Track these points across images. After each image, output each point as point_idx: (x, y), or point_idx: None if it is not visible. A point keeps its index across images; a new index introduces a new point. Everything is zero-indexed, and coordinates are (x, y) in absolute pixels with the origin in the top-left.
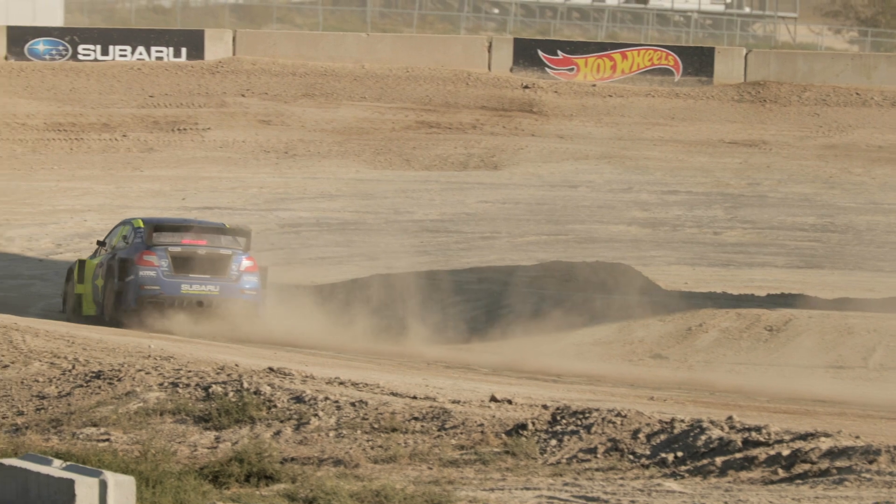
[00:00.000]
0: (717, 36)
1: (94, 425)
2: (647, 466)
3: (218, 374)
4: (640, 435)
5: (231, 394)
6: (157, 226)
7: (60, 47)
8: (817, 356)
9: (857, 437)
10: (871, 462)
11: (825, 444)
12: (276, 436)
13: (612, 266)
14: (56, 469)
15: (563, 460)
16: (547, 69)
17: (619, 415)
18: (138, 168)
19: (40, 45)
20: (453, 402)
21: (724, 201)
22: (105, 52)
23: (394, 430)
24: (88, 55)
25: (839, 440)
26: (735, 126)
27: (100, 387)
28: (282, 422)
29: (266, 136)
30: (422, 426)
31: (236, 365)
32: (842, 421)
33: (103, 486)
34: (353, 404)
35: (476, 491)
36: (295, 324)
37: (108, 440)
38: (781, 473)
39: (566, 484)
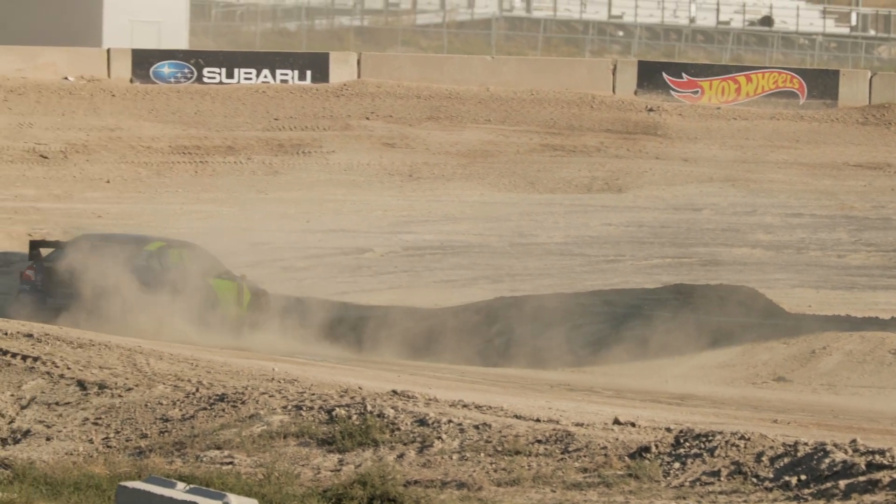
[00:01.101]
0: (842, 59)
1: (218, 448)
2: (770, 489)
3: (341, 396)
4: (764, 458)
5: (354, 417)
6: None
7: (185, 70)
8: None
9: None
10: None
11: None
12: (400, 459)
13: (736, 289)
14: (180, 492)
15: (687, 483)
16: (671, 92)
17: (742, 438)
18: (263, 191)
19: (165, 67)
20: (576, 424)
21: (848, 224)
22: (230, 75)
23: (517, 452)
24: (213, 78)
25: None
26: (859, 149)
27: (223, 410)
28: (405, 444)
29: (390, 159)
30: (545, 449)
31: (360, 388)
32: None
33: None
34: (476, 427)
35: None
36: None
37: (231, 463)
38: None
39: None
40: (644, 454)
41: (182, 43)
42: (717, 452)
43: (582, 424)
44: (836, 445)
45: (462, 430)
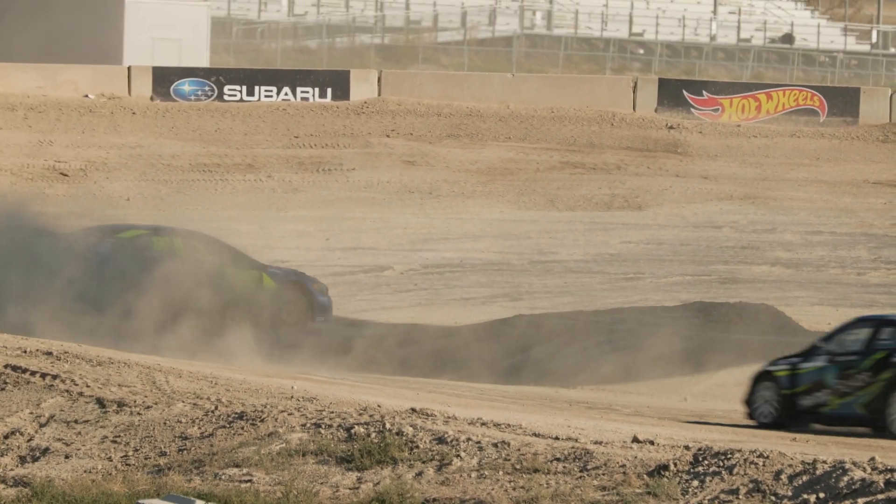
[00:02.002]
0: (863, 76)
1: (237, 466)
2: None
3: (360, 414)
4: (783, 476)
5: (373, 434)
6: None
7: (206, 88)
8: None
9: None
10: None
11: None
12: (418, 476)
13: (756, 307)
14: None
15: (705, 501)
16: (692, 109)
17: (761, 455)
18: (283, 209)
19: (186, 85)
20: (595, 442)
21: (868, 242)
22: (250, 93)
23: (536, 470)
24: (234, 96)
25: None
26: (880, 166)
27: (242, 427)
28: (424, 462)
29: (410, 177)
30: (564, 467)
31: (378, 406)
32: None
33: None
34: (495, 445)
35: None
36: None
37: (250, 481)
38: None
39: None
40: (663, 472)
41: (203, 61)
42: (735, 470)
43: (601, 442)
44: (854, 463)
45: (481, 448)
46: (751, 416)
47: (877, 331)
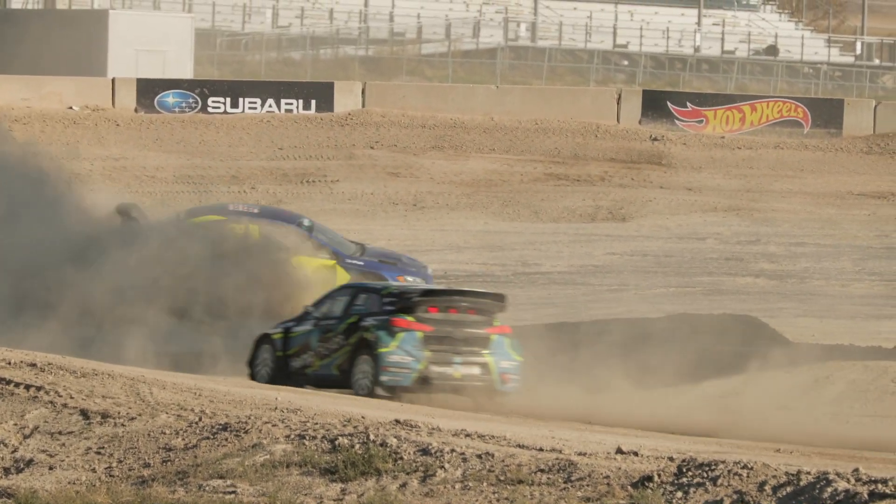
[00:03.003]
0: (847, 88)
1: (221, 477)
2: None
3: (344, 426)
4: (766, 487)
5: (357, 446)
6: None
7: (190, 100)
8: None
9: None
10: None
11: None
12: (402, 488)
13: (740, 318)
14: None
15: None
16: (676, 121)
17: (745, 467)
18: None
19: (170, 97)
20: (579, 454)
21: (852, 253)
22: (234, 105)
23: (520, 482)
24: (218, 108)
25: None
26: (864, 178)
27: (226, 439)
28: (408, 474)
29: (395, 188)
30: (548, 478)
31: (363, 417)
32: None
33: None
34: (479, 456)
35: None
36: None
37: (234, 492)
38: None
39: None
40: (647, 483)
41: (187, 72)
42: (719, 482)
43: (585, 454)
44: (838, 474)
45: (465, 460)
46: (252, 377)
47: (354, 297)
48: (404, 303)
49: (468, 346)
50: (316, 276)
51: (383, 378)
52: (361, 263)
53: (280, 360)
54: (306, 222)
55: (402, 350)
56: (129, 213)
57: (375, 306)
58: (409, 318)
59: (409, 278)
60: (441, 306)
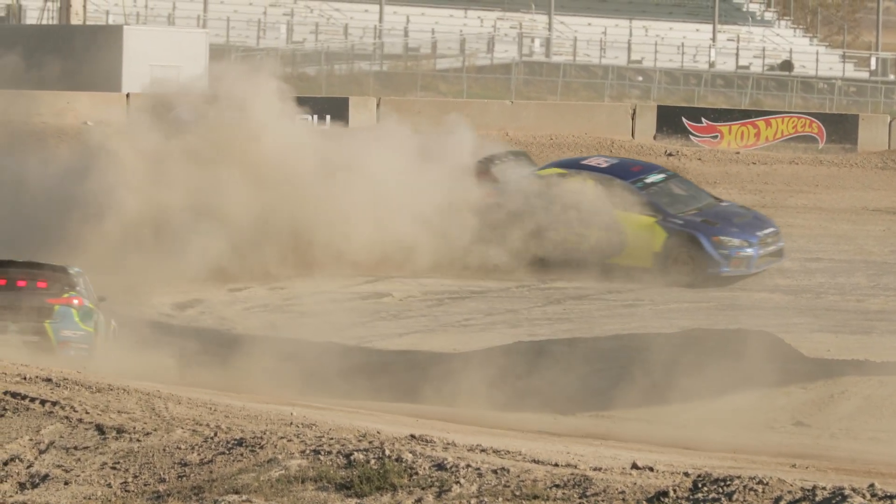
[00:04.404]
0: (862, 103)
1: (236, 492)
2: None
3: (360, 441)
4: (782, 502)
5: (373, 461)
6: None
7: None
8: None
9: None
10: None
11: None
12: (417, 503)
13: (754, 333)
14: None
15: None
16: (691, 136)
17: (760, 482)
18: None
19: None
20: (594, 469)
21: (867, 269)
22: None
23: (535, 497)
24: None
25: None
26: (879, 193)
27: (242, 454)
28: (423, 489)
29: None
30: (563, 493)
31: (378, 432)
32: None
33: None
34: (494, 471)
35: None
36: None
37: None
38: None
39: None
40: (662, 499)
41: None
42: (735, 497)
43: (600, 469)
44: (854, 490)
45: (480, 475)
46: None
47: None
48: None
49: (28, 315)
50: (632, 232)
51: None
52: (680, 223)
53: None
54: (652, 178)
55: None
56: (489, 166)
57: None
58: None
59: (734, 240)
60: (9, 278)
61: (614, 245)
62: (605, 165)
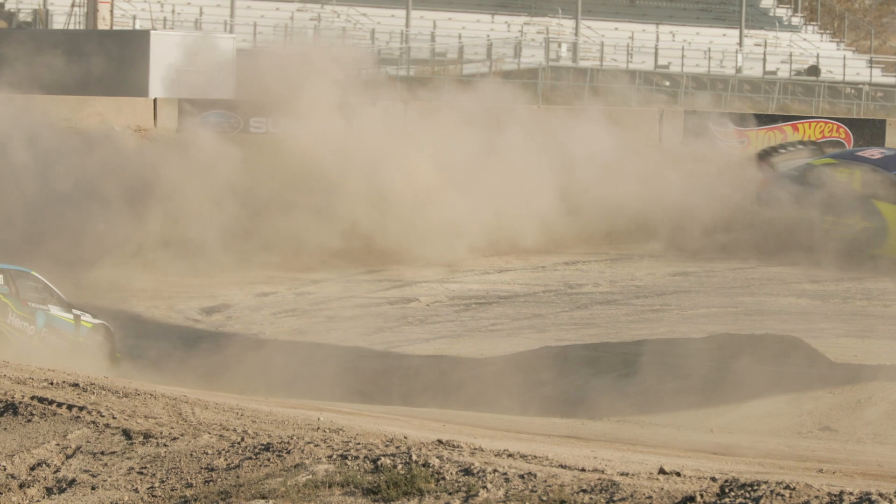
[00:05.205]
0: (889, 108)
1: (263, 497)
2: None
3: (387, 446)
4: None
5: (400, 466)
6: None
7: (232, 120)
8: None
9: None
10: None
11: None
12: None
13: (782, 338)
14: None
15: None
16: (717, 141)
17: (787, 487)
18: None
19: (212, 117)
20: (621, 474)
21: (893, 274)
22: (276, 125)
23: (562, 502)
24: (259, 128)
25: None
26: None
27: (269, 459)
28: (450, 494)
29: None
30: (590, 498)
31: (405, 437)
32: None
33: None
34: (521, 476)
35: None
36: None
37: None
38: None
39: None
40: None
41: (228, 92)
42: (762, 502)
43: (627, 474)
44: (881, 495)
45: (507, 480)
46: None
47: None
48: None
49: None
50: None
51: None
52: None
53: None
54: None
55: None
56: (770, 157)
57: None
58: None
59: None
60: None
61: (878, 236)
62: (877, 157)
